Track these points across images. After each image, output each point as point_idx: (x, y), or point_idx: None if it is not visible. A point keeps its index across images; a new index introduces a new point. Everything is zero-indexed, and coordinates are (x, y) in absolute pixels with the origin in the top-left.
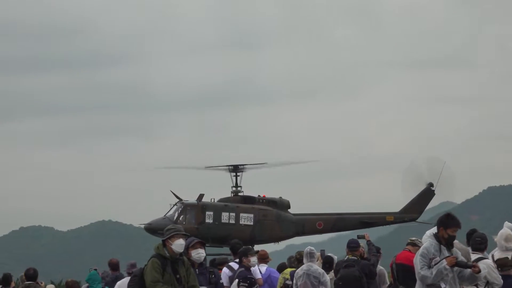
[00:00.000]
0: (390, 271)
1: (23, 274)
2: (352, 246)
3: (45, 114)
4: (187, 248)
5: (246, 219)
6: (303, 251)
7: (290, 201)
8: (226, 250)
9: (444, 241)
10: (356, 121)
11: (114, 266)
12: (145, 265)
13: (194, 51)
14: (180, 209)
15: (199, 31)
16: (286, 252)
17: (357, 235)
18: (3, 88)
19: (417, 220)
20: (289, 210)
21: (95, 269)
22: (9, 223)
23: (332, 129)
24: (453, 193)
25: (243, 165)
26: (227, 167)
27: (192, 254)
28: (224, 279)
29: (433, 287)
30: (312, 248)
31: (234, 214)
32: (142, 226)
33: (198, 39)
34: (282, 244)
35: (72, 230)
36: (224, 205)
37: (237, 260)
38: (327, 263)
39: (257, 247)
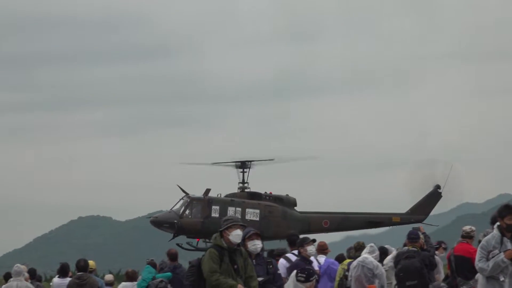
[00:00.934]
0: (448, 262)
1: None
2: (412, 237)
3: (106, 106)
4: (244, 239)
5: (252, 214)
6: (361, 242)
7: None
8: None
9: (505, 231)
10: (413, 113)
11: (172, 256)
12: (203, 255)
13: (251, 42)
14: (186, 203)
15: (257, 23)
16: (344, 243)
17: (413, 227)
18: (66, 79)
19: (423, 222)
20: (295, 208)
21: (152, 260)
22: (68, 213)
23: (389, 121)
24: (461, 196)
25: (250, 161)
26: (235, 163)
27: (249, 245)
28: (281, 270)
29: (492, 279)
30: (373, 244)
31: (240, 209)
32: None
33: (256, 31)
34: (340, 236)
35: (130, 220)
36: (230, 200)
37: (294, 251)
38: (382, 254)
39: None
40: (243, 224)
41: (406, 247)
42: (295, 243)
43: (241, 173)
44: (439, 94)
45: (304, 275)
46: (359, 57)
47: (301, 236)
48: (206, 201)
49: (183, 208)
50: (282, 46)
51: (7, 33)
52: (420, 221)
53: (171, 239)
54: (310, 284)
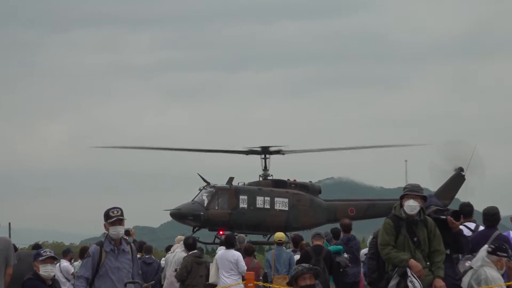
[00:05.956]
0: None
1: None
2: None
3: (277, 64)
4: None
5: (281, 204)
6: None
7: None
8: (259, 237)
9: None
10: None
11: (346, 227)
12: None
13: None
14: (211, 193)
15: None
16: None
17: None
18: (238, 36)
19: (448, 207)
20: (319, 195)
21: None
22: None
23: None
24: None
25: (271, 147)
26: (257, 149)
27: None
28: None
29: None
30: None
31: (269, 198)
32: (168, 211)
33: None
34: None
35: None
36: (258, 189)
37: (467, 223)
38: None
39: None
40: (419, 194)
41: None
42: (471, 214)
43: (263, 160)
44: None
45: (493, 247)
46: None
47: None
48: (233, 191)
49: (209, 198)
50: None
51: None
52: (445, 206)
53: (194, 232)
54: (497, 258)
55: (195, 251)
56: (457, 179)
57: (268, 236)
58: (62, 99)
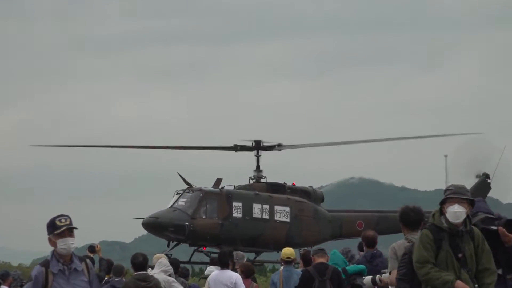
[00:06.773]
0: None
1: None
2: None
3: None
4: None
5: (282, 213)
6: None
7: None
8: (252, 255)
9: None
10: None
11: (369, 241)
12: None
13: None
14: (198, 198)
15: None
16: None
17: None
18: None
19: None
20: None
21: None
22: None
23: None
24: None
25: (263, 142)
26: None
27: None
28: None
29: None
30: None
31: (267, 206)
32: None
33: None
34: None
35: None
36: (255, 194)
37: None
38: None
39: None
40: (466, 197)
41: None
42: None
43: (256, 157)
44: None
45: None
46: None
47: None
48: (224, 196)
49: (194, 205)
50: None
51: None
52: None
53: (170, 247)
54: None
55: (141, 272)
56: (482, 187)
57: (256, 255)
58: (9, 82)
